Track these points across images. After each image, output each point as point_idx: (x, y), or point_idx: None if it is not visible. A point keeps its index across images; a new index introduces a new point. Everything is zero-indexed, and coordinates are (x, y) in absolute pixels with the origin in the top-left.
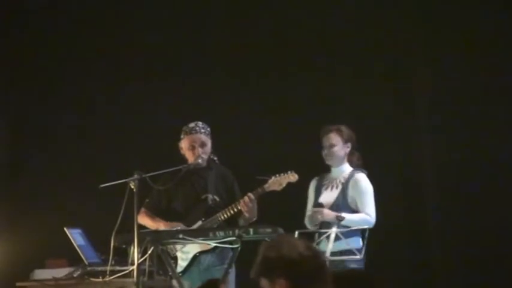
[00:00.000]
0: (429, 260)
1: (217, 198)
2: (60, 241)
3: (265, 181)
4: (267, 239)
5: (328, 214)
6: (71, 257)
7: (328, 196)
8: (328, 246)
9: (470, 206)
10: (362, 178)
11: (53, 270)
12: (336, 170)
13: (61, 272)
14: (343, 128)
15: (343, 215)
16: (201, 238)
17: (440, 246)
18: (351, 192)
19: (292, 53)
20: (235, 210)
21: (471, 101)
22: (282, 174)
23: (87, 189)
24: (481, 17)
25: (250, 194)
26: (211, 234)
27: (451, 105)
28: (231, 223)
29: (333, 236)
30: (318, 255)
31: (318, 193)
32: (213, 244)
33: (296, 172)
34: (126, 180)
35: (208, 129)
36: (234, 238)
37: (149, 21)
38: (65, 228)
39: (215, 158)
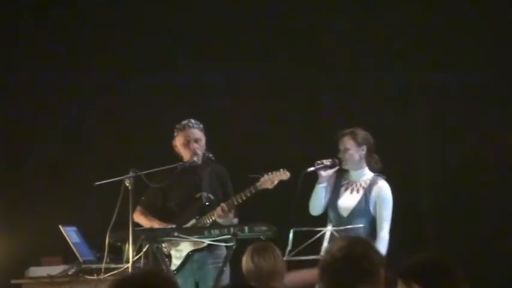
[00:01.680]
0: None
1: (211, 196)
2: (55, 239)
3: (257, 179)
4: (261, 237)
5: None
6: (66, 255)
7: (350, 199)
8: (323, 245)
9: (469, 206)
10: (385, 186)
11: (48, 267)
12: (356, 173)
13: (56, 270)
14: (358, 131)
15: None
16: (196, 236)
17: (439, 246)
18: (374, 198)
19: (287, 50)
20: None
21: (471, 101)
22: (274, 172)
23: (82, 186)
24: (481, 16)
25: (223, 205)
26: (206, 233)
27: (451, 105)
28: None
29: (328, 234)
30: (349, 256)
31: (336, 191)
32: (207, 242)
33: (288, 170)
34: (122, 178)
35: (201, 125)
36: (229, 236)
37: (146, 18)
38: (60, 226)
39: (210, 155)
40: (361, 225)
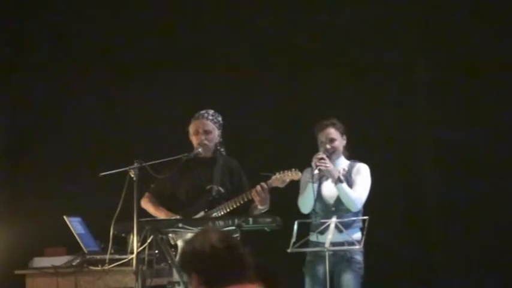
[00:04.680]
0: (429, 259)
1: (222, 190)
2: (60, 229)
3: (269, 177)
4: (266, 228)
5: (333, 170)
6: (70, 246)
7: (333, 187)
8: (328, 237)
9: (471, 202)
10: (364, 167)
11: (52, 258)
12: (335, 163)
13: (60, 261)
14: (337, 122)
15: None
16: (200, 227)
17: (440, 245)
18: (353, 178)
19: (295, 50)
20: (246, 199)
21: (471, 100)
22: (286, 171)
23: (87, 177)
24: (481, 16)
25: (263, 184)
26: (210, 224)
27: (451, 105)
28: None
29: (332, 226)
30: (233, 246)
31: (319, 186)
32: None
33: (299, 170)
34: (126, 168)
35: (219, 118)
36: (233, 228)
37: (151, 13)
38: (65, 217)
39: (222, 150)
40: (366, 217)
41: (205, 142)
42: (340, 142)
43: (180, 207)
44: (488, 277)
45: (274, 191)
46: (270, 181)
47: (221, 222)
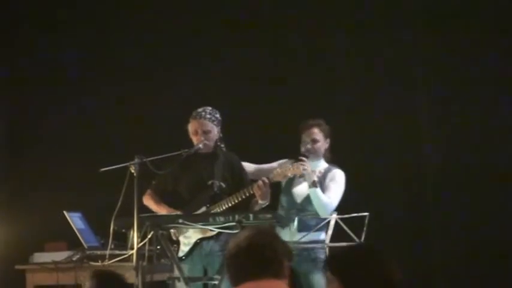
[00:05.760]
0: (429, 258)
1: (223, 185)
2: (60, 225)
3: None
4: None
5: (311, 174)
6: (71, 241)
7: (305, 186)
8: (328, 233)
9: (471, 202)
10: (340, 174)
11: (52, 253)
12: (313, 163)
13: (60, 256)
14: (323, 123)
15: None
16: (200, 223)
17: (440, 244)
18: (327, 183)
19: (295, 45)
20: (247, 194)
21: (471, 100)
22: (287, 165)
23: (88, 173)
24: (482, 16)
25: (264, 178)
26: (211, 220)
27: (451, 104)
28: (238, 209)
29: (332, 222)
30: (255, 244)
31: (292, 179)
32: (215, 230)
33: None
34: (127, 164)
35: (217, 115)
36: (234, 223)
37: (151, 12)
38: (65, 212)
39: (222, 146)
40: (366, 213)
41: (205, 142)
42: (322, 144)
43: (182, 203)
44: (487, 275)
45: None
46: (271, 175)
47: (221, 218)
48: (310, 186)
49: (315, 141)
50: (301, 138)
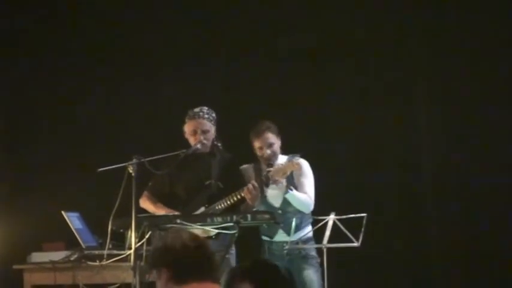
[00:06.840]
0: (429, 257)
1: (220, 185)
2: (58, 224)
3: (269, 170)
4: (264, 225)
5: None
6: (68, 241)
7: (275, 187)
8: (326, 234)
9: (469, 202)
10: (304, 163)
11: (50, 253)
12: (276, 164)
13: (58, 256)
14: (272, 124)
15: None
16: (198, 224)
17: (439, 244)
18: (297, 179)
19: (295, 48)
20: (238, 197)
21: (471, 100)
22: (285, 162)
23: (85, 172)
24: (481, 16)
25: (253, 182)
26: (209, 220)
27: (451, 104)
28: (233, 210)
29: (330, 223)
30: (203, 246)
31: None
32: (213, 231)
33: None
34: (125, 164)
35: (213, 115)
36: (231, 224)
37: (151, 11)
38: (63, 212)
39: (219, 144)
40: (364, 214)
41: (205, 142)
42: (277, 144)
43: (180, 203)
44: (487, 275)
45: None
46: (270, 173)
47: (219, 219)
48: (285, 192)
49: (271, 145)
50: (254, 144)
